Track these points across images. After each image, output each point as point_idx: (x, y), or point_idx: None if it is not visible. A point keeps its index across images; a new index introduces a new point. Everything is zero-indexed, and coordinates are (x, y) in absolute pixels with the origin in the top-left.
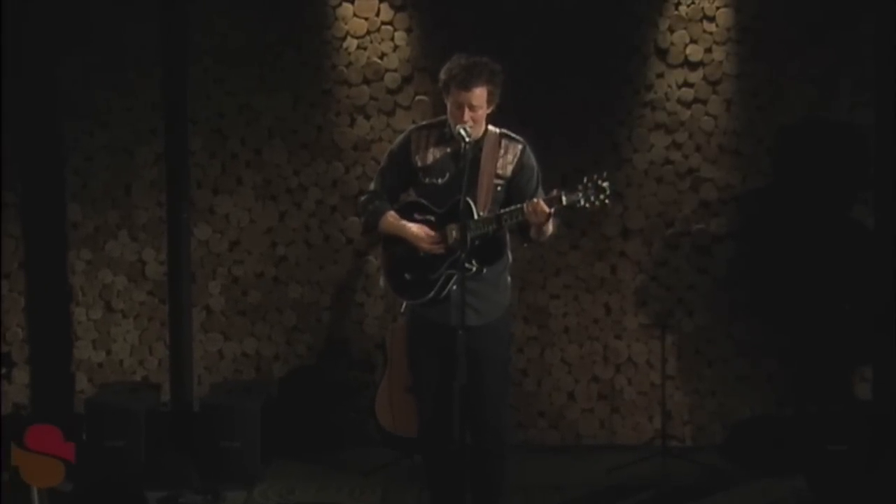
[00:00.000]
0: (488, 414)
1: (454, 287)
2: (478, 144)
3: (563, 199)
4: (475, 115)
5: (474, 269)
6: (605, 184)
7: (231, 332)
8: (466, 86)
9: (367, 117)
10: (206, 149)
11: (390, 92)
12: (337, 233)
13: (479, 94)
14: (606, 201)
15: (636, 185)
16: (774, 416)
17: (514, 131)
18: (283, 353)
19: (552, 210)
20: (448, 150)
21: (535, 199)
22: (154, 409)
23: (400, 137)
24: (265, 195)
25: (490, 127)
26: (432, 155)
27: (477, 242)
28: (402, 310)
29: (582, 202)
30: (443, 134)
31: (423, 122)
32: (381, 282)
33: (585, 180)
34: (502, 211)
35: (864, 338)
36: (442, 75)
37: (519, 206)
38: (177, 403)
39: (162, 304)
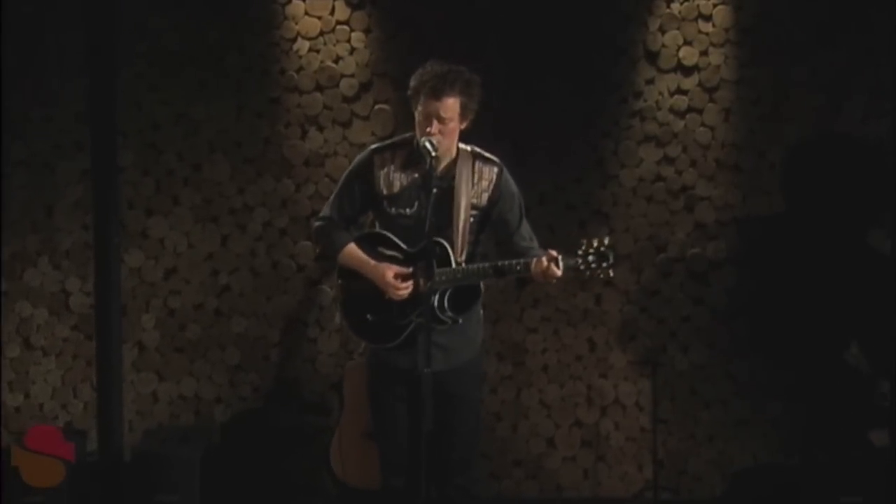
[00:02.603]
0: (456, 464)
1: (421, 330)
2: (450, 171)
3: (560, 263)
4: (445, 129)
5: (449, 322)
6: (610, 251)
7: (167, 371)
8: (437, 94)
9: (321, 129)
10: (139, 165)
11: (346, 100)
12: (286, 259)
13: (451, 105)
14: (611, 272)
15: (623, 204)
16: (780, 464)
17: (487, 144)
18: (225, 396)
19: (559, 269)
20: (416, 174)
21: (543, 259)
22: (79, 458)
23: (359, 158)
24: (205, 217)
25: (461, 145)
26: (399, 181)
27: (449, 291)
28: (362, 350)
29: (581, 268)
30: (410, 155)
31: (387, 142)
32: (338, 318)
33: (585, 245)
34: (499, 263)
35: (880, 377)
36: (412, 83)
37: (520, 262)
38: (105, 452)
39: (88, 340)
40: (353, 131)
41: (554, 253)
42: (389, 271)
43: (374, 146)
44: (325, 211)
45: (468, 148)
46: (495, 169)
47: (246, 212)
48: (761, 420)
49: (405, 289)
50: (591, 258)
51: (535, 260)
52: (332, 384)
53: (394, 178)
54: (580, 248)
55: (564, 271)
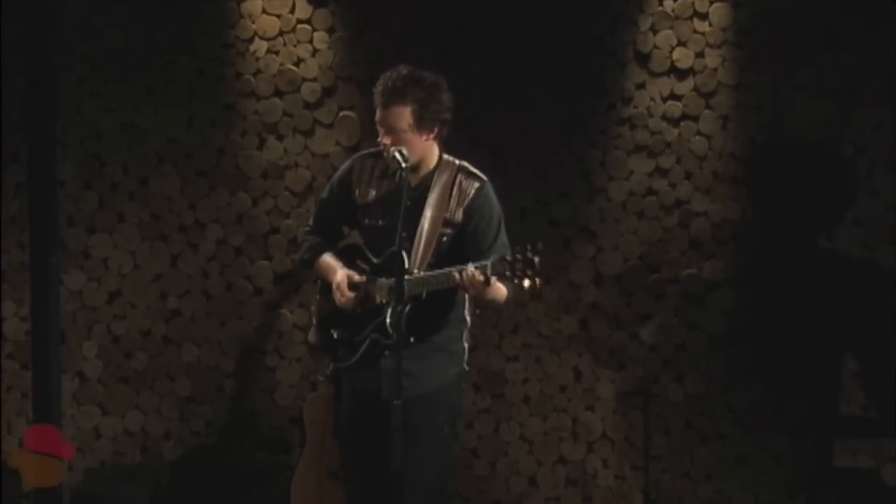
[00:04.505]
0: None
1: (386, 352)
2: (425, 182)
3: (489, 269)
4: (395, 139)
5: (393, 337)
6: (536, 258)
7: (110, 404)
8: (384, 103)
9: (280, 138)
10: (80, 177)
11: (308, 106)
12: (242, 281)
13: (398, 114)
14: (537, 283)
15: (612, 220)
16: None
17: (463, 154)
18: (175, 431)
19: (487, 280)
20: (392, 185)
21: (468, 268)
22: (15, 500)
23: (344, 165)
24: (153, 234)
25: (446, 157)
26: (374, 191)
27: (409, 305)
28: (329, 371)
29: (507, 274)
30: (388, 165)
31: (371, 150)
32: (311, 334)
33: (516, 252)
34: (423, 275)
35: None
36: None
37: (446, 271)
38: (42, 494)
39: (24, 370)
40: (316, 140)
41: (491, 259)
42: (342, 276)
43: (358, 153)
44: (311, 218)
45: (455, 161)
46: (476, 184)
47: (198, 229)
48: (763, 456)
49: (349, 295)
50: (517, 266)
51: (463, 270)
52: (292, 418)
53: (370, 188)
54: (508, 255)
55: (493, 280)
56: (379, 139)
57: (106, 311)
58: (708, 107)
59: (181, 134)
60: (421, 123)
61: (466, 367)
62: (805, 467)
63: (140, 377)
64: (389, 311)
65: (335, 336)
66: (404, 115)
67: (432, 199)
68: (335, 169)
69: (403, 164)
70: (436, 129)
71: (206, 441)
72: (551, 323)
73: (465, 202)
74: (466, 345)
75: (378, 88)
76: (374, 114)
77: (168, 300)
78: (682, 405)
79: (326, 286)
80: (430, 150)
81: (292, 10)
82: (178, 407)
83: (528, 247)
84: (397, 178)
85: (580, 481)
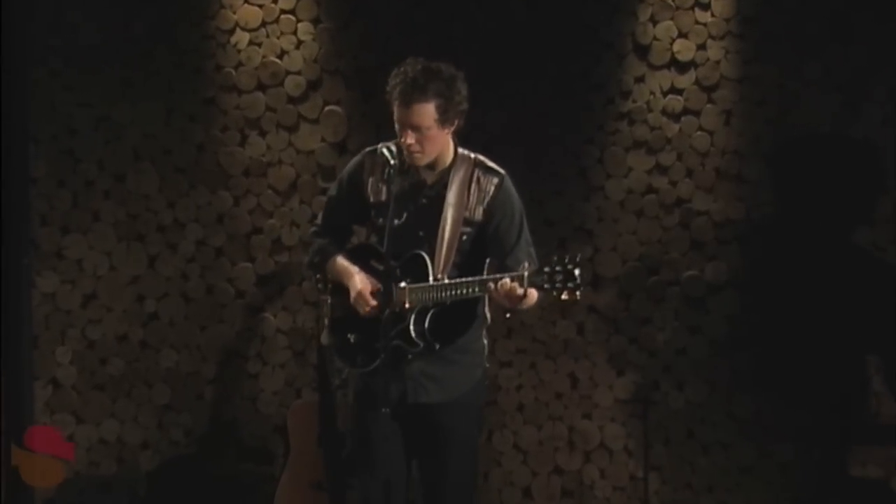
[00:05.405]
0: None
1: (409, 356)
2: (442, 180)
3: (525, 280)
4: (422, 137)
5: (420, 346)
6: (577, 270)
7: (85, 412)
8: (406, 101)
9: (263, 133)
10: (53, 175)
11: (292, 101)
12: (223, 283)
13: (422, 112)
14: (578, 294)
15: (609, 220)
16: None
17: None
18: (153, 440)
19: (525, 292)
20: (407, 182)
21: (504, 280)
22: None
23: (352, 161)
24: (130, 234)
25: (462, 151)
26: (387, 188)
27: (432, 311)
28: (343, 375)
29: (546, 287)
30: (401, 160)
31: (378, 145)
32: (324, 336)
33: (555, 262)
34: (454, 282)
35: None
36: (388, 84)
37: (476, 280)
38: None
39: None
40: (300, 136)
41: (524, 268)
42: (363, 283)
43: (367, 149)
44: (318, 218)
45: (471, 155)
46: (495, 180)
47: (177, 229)
48: (768, 466)
49: (374, 304)
50: (557, 277)
51: (499, 281)
52: (275, 427)
53: (382, 186)
54: (547, 266)
55: (529, 290)
56: (402, 139)
57: (80, 315)
58: (710, 101)
59: (159, 129)
60: (445, 118)
61: (487, 364)
62: (812, 477)
63: (116, 384)
64: (413, 317)
65: (351, 340)
66: (428, 112)
67: (451, 197)
68: (320, 166)
69: (392, 161)
70: (456, 122)
71: (185, 451)
72: (546, 327)
73: (486, 200)
74: (486, 342)
75: (396, 87)
76: (361, 107)
77: (145, 303)
78: (683, 413)
79: (338, 287)
80: (447, 145)
81: (275, 0)
82: (156, 415)
83: (567, 258)
84: (385, 175)
85: (577, 492)
